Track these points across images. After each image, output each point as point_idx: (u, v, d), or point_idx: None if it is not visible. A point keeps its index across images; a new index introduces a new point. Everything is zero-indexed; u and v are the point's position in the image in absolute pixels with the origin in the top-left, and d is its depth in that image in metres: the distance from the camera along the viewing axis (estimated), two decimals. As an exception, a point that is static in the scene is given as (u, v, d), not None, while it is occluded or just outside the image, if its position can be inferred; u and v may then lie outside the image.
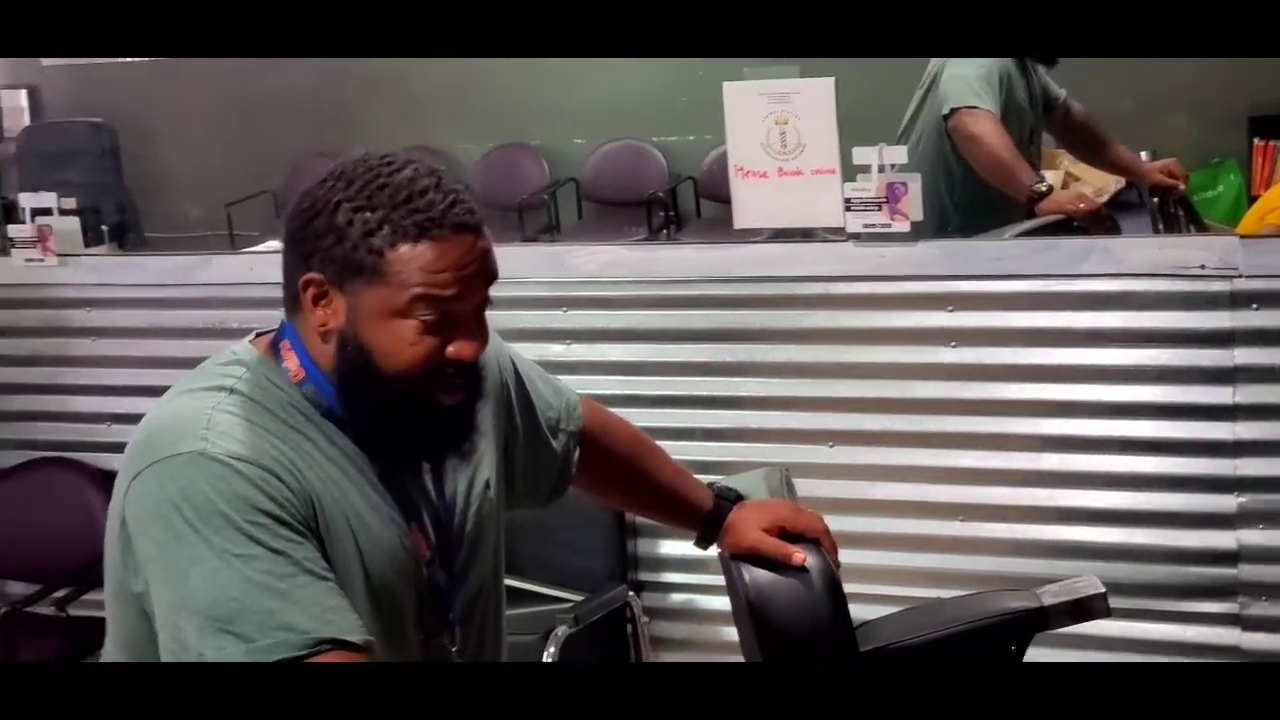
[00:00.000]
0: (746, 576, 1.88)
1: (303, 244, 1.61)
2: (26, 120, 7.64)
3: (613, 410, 2.09)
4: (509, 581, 1.94)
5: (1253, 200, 4.96)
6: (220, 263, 3.87)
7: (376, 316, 1.59)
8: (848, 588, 1.87)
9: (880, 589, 2.99)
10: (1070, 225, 3.47)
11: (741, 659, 1.97)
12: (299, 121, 7.01)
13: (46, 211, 3.89)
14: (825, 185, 3.21)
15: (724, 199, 3.49)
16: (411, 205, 1.57)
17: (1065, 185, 4.43)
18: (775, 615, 1.84)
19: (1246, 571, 3.03)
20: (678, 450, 2.16)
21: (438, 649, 1.74)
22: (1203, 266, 2.96)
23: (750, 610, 1.86)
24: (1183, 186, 3.81)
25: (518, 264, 3.34)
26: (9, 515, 3.88)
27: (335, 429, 1.65)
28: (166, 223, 7.02)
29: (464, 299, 1.60)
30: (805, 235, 3.45)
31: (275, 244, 1.70)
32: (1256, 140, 5.63)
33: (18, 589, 3.84)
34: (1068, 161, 4.55)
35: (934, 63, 3.75)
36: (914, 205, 3.12)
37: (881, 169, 3.13)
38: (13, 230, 3.92)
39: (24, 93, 7.71)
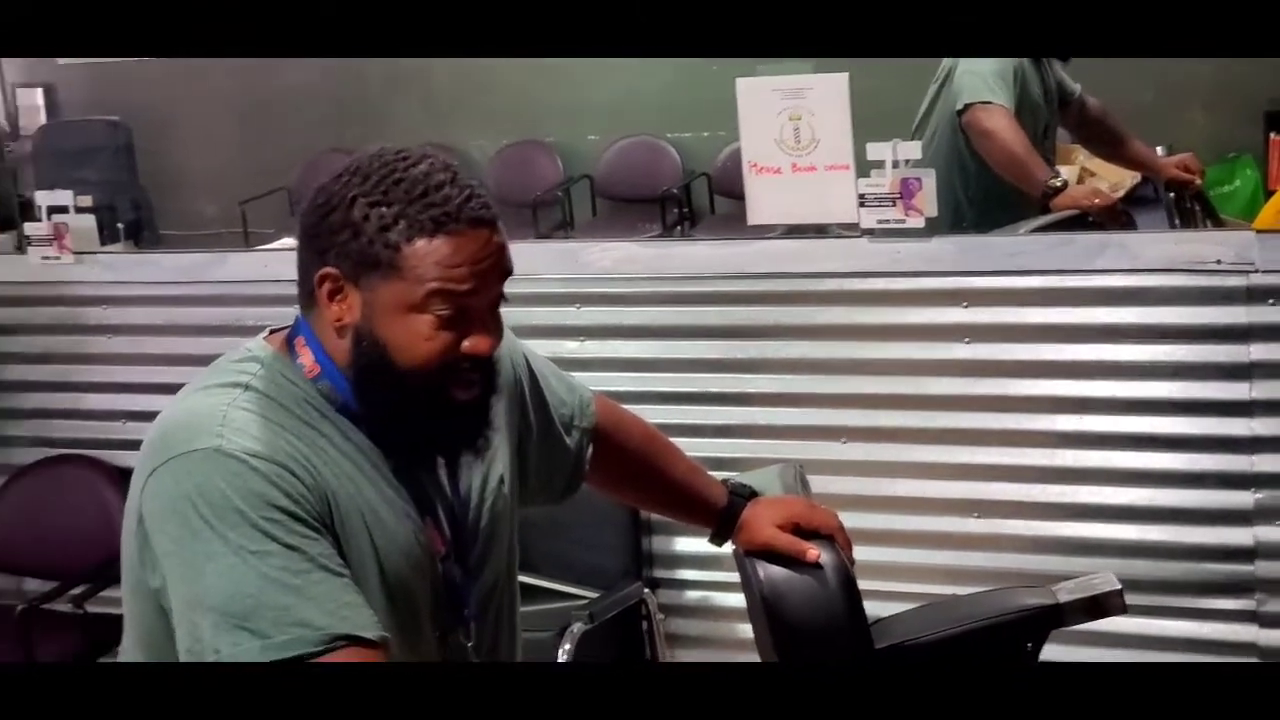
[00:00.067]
0: (761, 573, 1.87)
1: (318, 239, 1.61)
2: (43, 118, 7.66)
3: (626, 407, 2.09)
4: (524, 578, 1.94)
5: (1269, 195, 4.94)
6: (235, 260, 3.88)
7: (392, 311, 1.59)
8: (862, 584, 1.87)
9: (895, 586, 2.99)
10: (1085, 221, 3.46)
11: (756, 655, 1.97)
12: (313, 119, 7.02)
13: (63, 209, 3.90)
14: (839, 181, 3.20)
15: (738, 195, 3.48)
16: (428, 200, 1.57)
17: (1081, 180, 4.41)
18: (790, 612, 1.84)
19: (1263, 568, 3.02)
20: (691, 447, 2.16)
21: (453, 645, 1.74)
22: (1219, 261, 2.95)
23: (765, 607, 1.86)
24: (1199, 181, 3.80)
25: (531, 260, 3.34)
26: (25, 513, 3.90)
27: (350, 424, 1.65)
28: (182, 220, 7.03)
29: (479, 294, 1.60)
30: (819, 231, 3.45)
31: (290, 241, 1.70)
32: (1273, 135, 5.61)
33: (34, 586, 3.85)
34: (1083, 156, 4.54)
35: (948, 58, 3.74)
36: (928, 201, 3.11)
37: (896, 164, 3.13)
38: (29, 228, 3.94)
39: (40, 91, 7.72)
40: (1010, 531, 3.19)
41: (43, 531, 3.84)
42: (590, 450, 1.99)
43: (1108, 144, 4.08)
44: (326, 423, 1.64)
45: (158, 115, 7.18)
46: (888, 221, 3.13)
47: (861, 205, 3.15)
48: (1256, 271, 2.93)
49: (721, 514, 2.00)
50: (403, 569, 1.66)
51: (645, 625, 3.45)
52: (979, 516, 3.20)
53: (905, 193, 3.10)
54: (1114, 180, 4.26)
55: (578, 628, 3.18)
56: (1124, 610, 1.94)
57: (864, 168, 3.18)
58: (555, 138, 7.09)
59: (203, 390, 1.65)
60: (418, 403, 1.62)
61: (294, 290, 1.68)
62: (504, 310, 1.67)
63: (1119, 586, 1.93)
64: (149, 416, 1.66)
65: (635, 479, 2.08)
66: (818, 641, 1.83)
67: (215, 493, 1.52)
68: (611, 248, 3.52)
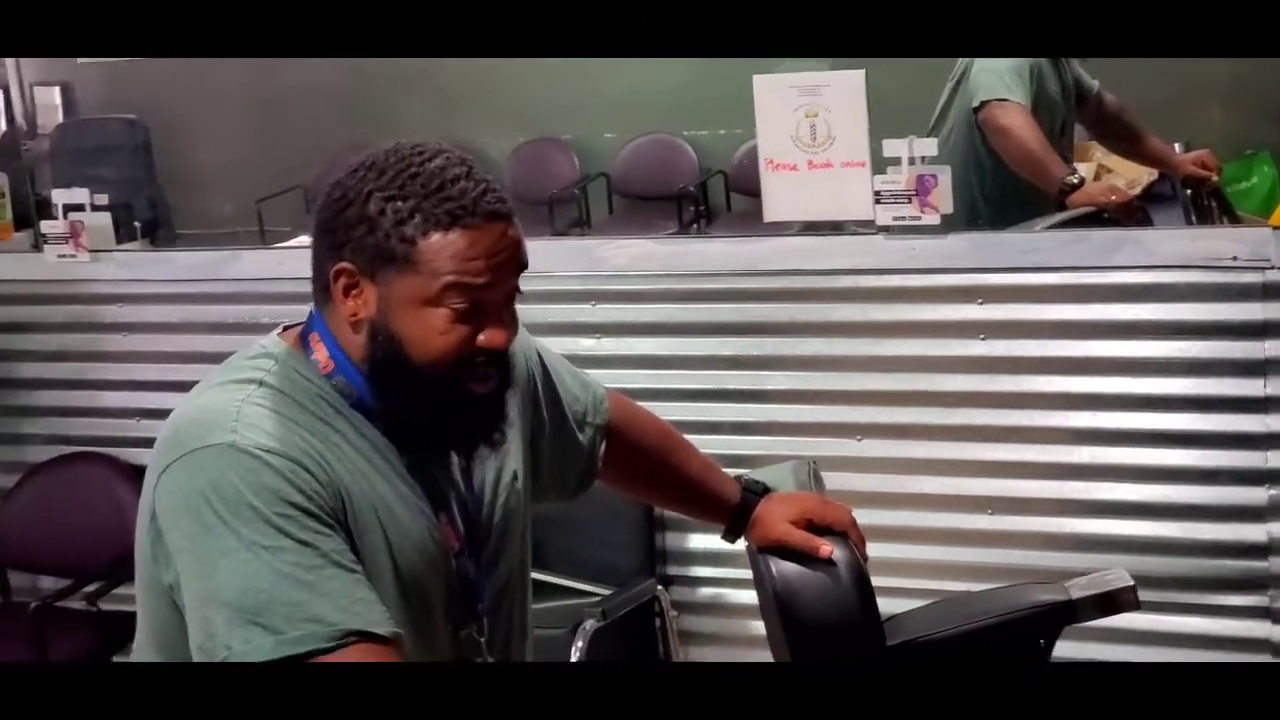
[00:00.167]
0: (774, 569, 1.87)
1: (334, 234, 1.62)
2: (60, 117, 7.68)
3: (641, 404, 2.09)
4: (537, 575, 1.94)
5: (1287, 192, 4.92)
6: (250, 258, 3.88)
7: (408, 305, 1.59)
8: (876, 581, 1.86)
9: (909, 582, 2.99)
10: (1101, 218, 3.45)
11: (770, 653, 1.97)
12: (329, 117, 7.03)
13: (79, 207, 3.92)
14: (855, 178, 3.20)
15: (754, 193, 3.49)
16: (443, 194, 1.58)
17: (1098, 177, 4.41)
18: (802, 608, 1.84)
19: (1277, 564, 3.01)
20: (706, 444, 2.16)
21: (466, 640, 1.74)
22: (1235, 258, 2.94)
23: (777, 603, 1.85)
24: (1215, 178, 3.79)
25: (547, 258, 3.34)
26: (40, 510, 3.91)
27: (364, 420, 1.65)
28: (198, 219, 7.04)
29: (495, 287, 1.60)
30: (835, 228, 3.45)
31: (306, 239, 1.71)
32: (1290, 132, 5.58)
33: (48, 584, 3.87)
34: (1100, 153, 4.53)
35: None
36: (944, 198, 3.11)
37: (911, 161, 3.12)
38: (45, 226, 3.96)
39: (57, 90, 7.74)
40: (1024, 528, 3.18)
41: (57, 529, 3.86)
42: (603, 447, 1.99)
43: (1125, 141, 4.07)
44: (340, 418, 1.64)
45: (175, 114, 7.20)
46: (903, 218, 3.13)
47: (877, 202, 3.15)
48: (1272, 268, 2.92)
49: (734, 510, 1.99)
50: (416, 565, 1.66)
51: (658, 622, 3.45)
52: (993, 513, 3.20)
53: (921, 189, 3.10)
54: (1131, 177, 4.25)
55: (590, 625, 3.18)
56: (1137, 606, 1.94)
57: (880, 164, 3.18)
58: (572, 136, 7.10)
59: (217, 387, 1.65)
60: (433, 397, 1.62)
61: (309, 287, 1.68)
62: (519, 307, 1.67)
63: (1132, 583, 1.92)
64: (164, 414, 1.67)
65: (648, 476, 2.08)
66: (830, 638, 1.82)
67: (229, 488, 1.52)
68: (627, 245, 3.53)
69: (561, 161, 7.03)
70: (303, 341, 1.68)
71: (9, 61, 5.77)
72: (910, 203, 3.11)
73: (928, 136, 3.38)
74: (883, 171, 3.16)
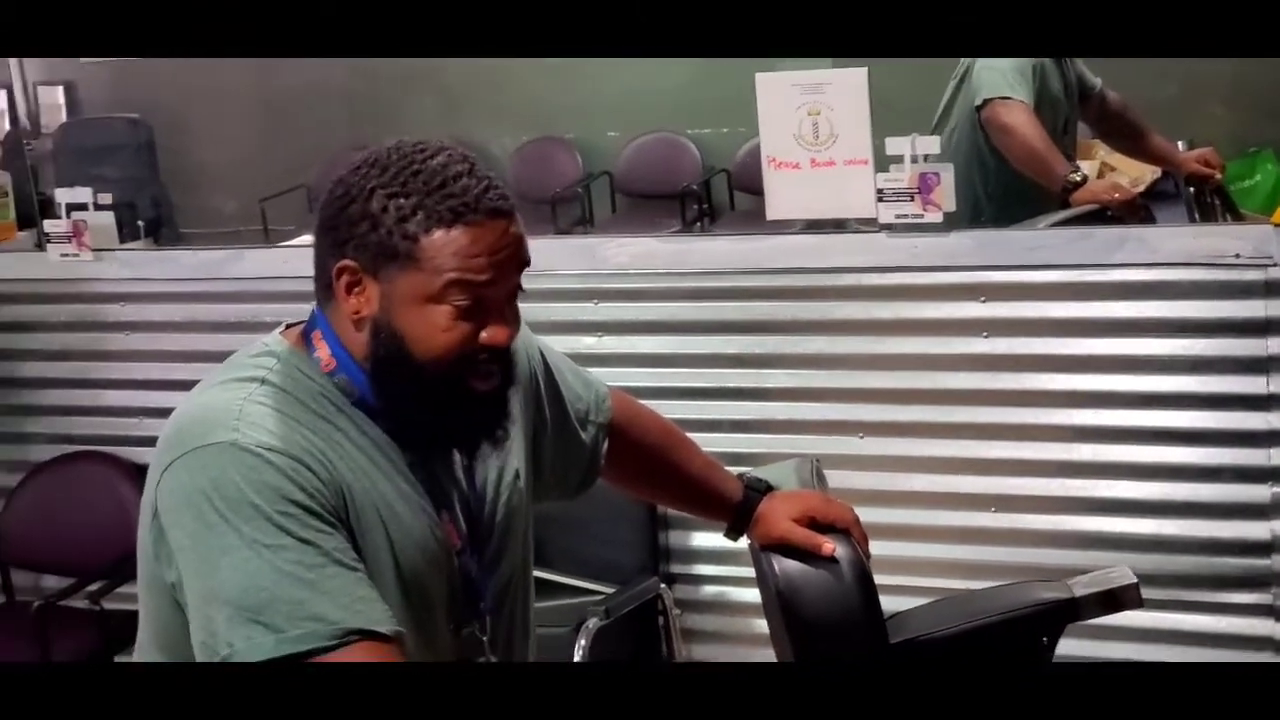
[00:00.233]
0: (776, 567, 1.87)
1: (336, 231, 1.61)
2: (64, 116, 7.68)
3: (643, 402, 2.09)
4: (540, 574, 1.95)
5: (1290, 190, 4.91)
6: (253, 257, 3.89)
7: (410, 302, 1.59)
8: (879, 579, 1.86)
9: (912, 580, 2.99)
10: (1104, 215, 3.44)
11: (773, 651, 1.97)
12: (333, 116, 7.03)
13: (82, 207, 3.92)
14: (858, 176, 3.20)
15: (758, 191, 3.49)
16: (446, 191, 1.57)
17: (1101, 175, 4.39)
18: (805, 606, 1.84)
19: (1281, 562, 3.01)
20: (708, 442, 2.16)
21: (468, 639, 1.74)
22: (1237, 255, 2.94)
23: (780, 601, 1.85)
24: (1219, 176, 3.78)
25: (549, 256, 3.34)
26: (43, 509, 3.92)
27: (366, 418, 1.65)
28: (201, 218, 7.04)
29: (497, 284, 1.60)
30: (837, 226, 3.45)
31: (309, 238, 1.71)
32: (1294, 130, 5.58)
33: (51, 583, 3.87)
34: (1103, 151, 4.51)
35: (966, 54, 3.73)
36: (947, 196, 3.11)
37: (914, 159, 3.12)
38: (48, 225, 3.96)
39: (61, 89, 7.74)
40: (1027, 526, 3.18)
41: (60, 528, 3.86)
42: (605, 445, 1.99)
43: (1128, 138, 4.06)
44: (342, 417, 1.64)
45: (178, 113, 7.20)
46: (906, 216, 3.13)
47: (880, 200, 3.15)
48: (1275, 266, 2.92)
49: (737, 508, 1.99)
50: (418, 563, 1.66)
51: (661, 620, 3.45)
52: (996, 511, 3.20)
53: (923, 187, 3.10)
54: (1134, 175, 4.24)
55: (594, 623, 3.18)
56: (1140, 604, 1.94)
57: (883, 163, 3.17)
58: (575, 134, 7.09)
59: (218, 385, 1.65)
60: (436, 394, 1.62)
61: (312, 286, 1.68)
62: (522, 306, 1.67)
63: (1135, 580, 1.92)
64: (166, 413, 1.67)
65: (651, 474, 2.08)
66: (833, 636, 1.82)
67: (230, 486, 1.52)
68: (629, 243, 3.53)
69: (565, 160, 7.03)
70: (305, 339, 1.68)
71: (12, 61, 5.77)
72: (913, 201, 3.12)
73: (931, 135, 3.39)
74: (885, 169, 3.16)
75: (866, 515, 1.95)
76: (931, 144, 3.17)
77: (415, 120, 6.90)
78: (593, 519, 3.22)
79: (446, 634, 1.71)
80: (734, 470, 2.07)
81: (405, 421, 1.65)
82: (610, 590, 3.33)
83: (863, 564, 1.86)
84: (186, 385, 1.73)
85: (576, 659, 3.14)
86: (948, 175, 3.11)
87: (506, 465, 1.79)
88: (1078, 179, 3.52)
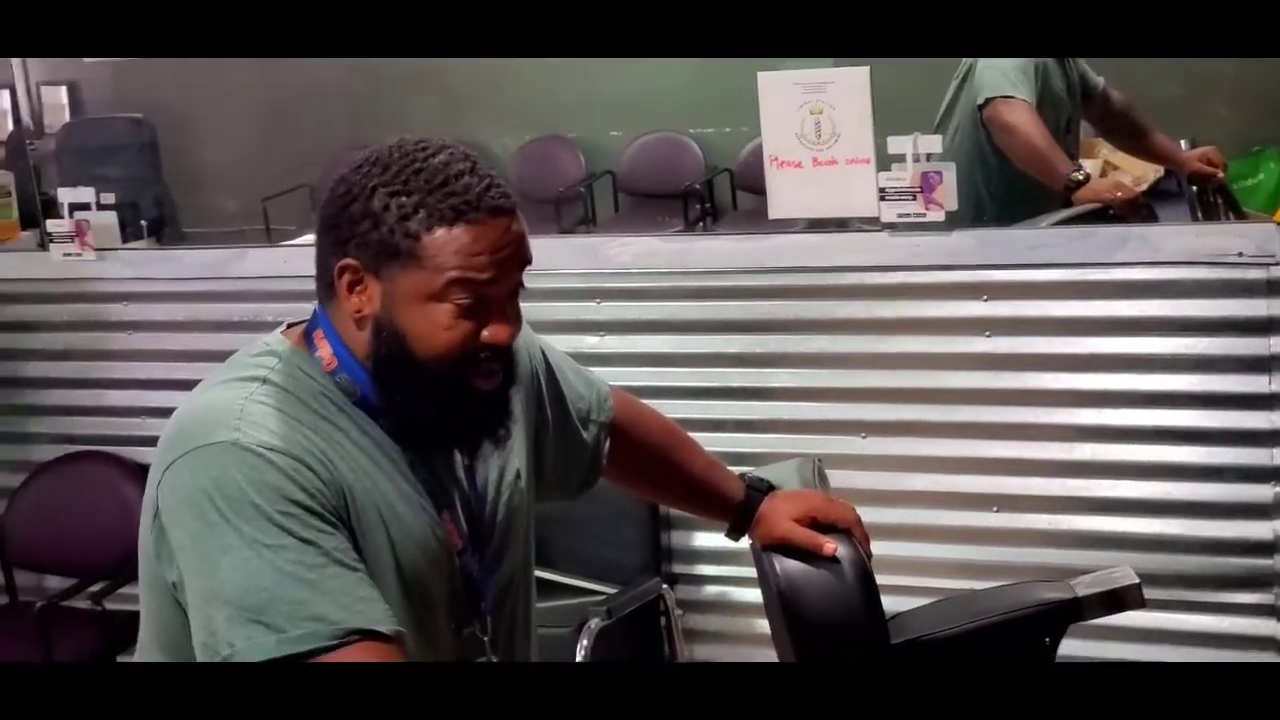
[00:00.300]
0: (778, 567, 1.87)
1: (338, 230, 1.61)
2: (67, 116, 7.68)
3: (645, 402, 2.09)
4: (542, 574, 1.94)
5: (1293, 189, 4.90)
6: (256, 256, 3.89)
7: (412, 301, 1.59)
8: (880, 579, 1.86)
9: (913, 580, 2.99)
10: (1107, 214, 3.44)
11: (775, 651, 1.96)
12: (335, 116, 7.04)
13: (85, 206, 3.92)
14: (860, 175, 3.20)
15: (761, 191, 3.49)
16: (448, 189, 1.57)
17: (1104, 174, 4.39)
18: (807, 606, 1.83)
19: (1284, 562, 3.01)
20: (711, 442, 2.16)
21: (469, 639, 1.74)
22: (1240, 254, 2.94)
23: (781, 601, 1.85)
24: (1221, 174, 3.78)
25: (551, 255, 3.35)
26: (45, 509, 3.92)
27: (367, 418, 1.65)
28: (204, 217, 7.04)
29: (499, 282, 1.60)
30: (840, 225, 3.44)
31: (311, 237, 1.71)
32: (1297, 128, 5.57)
33: (54, 583, 3.87)
34: (1106, 150, 4.51)
35: (969, 53, 3.73)
36: (949, 194, 3.11)
37: (916, 158, 3.12)
38: (51, 225, 3.96)
39: (64, 89, 7.74)
40: (1029, 526, 3.18)
41: (62, 528, 3.87)
42: (607, 445, 1.99)
43: (1131, 137, 4.06)
44: (344, 417, 1.64)
45: (181, 113, 7.20)
46: (908, 215, 3.13)
47: (882, 199, 3.15)
48: (1278, 264, 2.92)
49: (738, 508, 1.99)
50: (419, 563, 1.66)
51: (664, 621, 3.45)
52: (998, 511, 3.20)
53: (925, 186, 3.10)
54: (1137, 174, 4.24)
55: (596, 623, 3.18)
56: (1142, 605, 1.93)
57: (885, 161, 3.17)
58: (577, 134, 7.09)
59: (220, 385, 1.65)
60: (438, 393, 1.62)
61: (314, 286, 1.68)
62: (524, 305, 1.67)
63: (1137, 581, 1.92)
64: (169, 413, 1.67)
65: (652, 474, 2.08)
66: (835, 636, 1.82)
67: (231, 486, 1.52)
68: (631, 242, 3.53)
69: (567, 159, 7.03)
70: (306, 339, 1.68)
71: (15, 61, 5.77)
72: (915, 199, 3.11)
73: (933, 134, 3.38)
74: (887, 168, 3.16)
75: (868, 515, 1.95)
76: (933, 143, 3.17)
77: (418, 120, 6.89)
78: (595, 519, 3.22)
79: (447, 634, 1.71)
80: (736, 470, 2.07)
81: (407, 420, 1.65)
82: (612, 590, 3.33)
83: (864, 564, 1.86)
84: (189, 385, 1.73)
85: (578, 659, 3.14)
86: (949, 174, 3.11)
87: (508, 465, 1.79)
88: (1080, 178, 3.51)
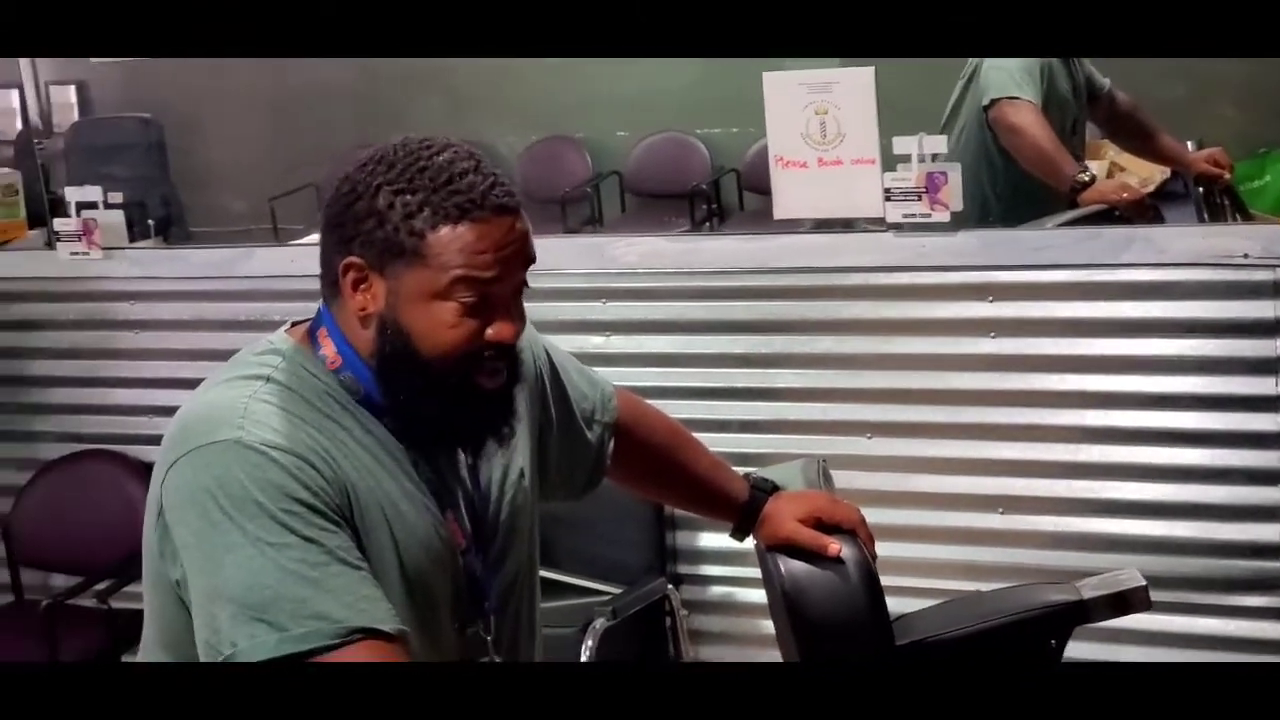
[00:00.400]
0: (782, 568, 1.86)
1: (342, 228, 1.61)
2: (75, 116, 7.69)
3: (650, 402, 2.08)
4: (547, 574, 1.94)
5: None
6: (262, 255, 3.89)
7: (416, 299, 1.59)
8: (885, 580, 1.86)
9: (918, 582, 2.99)
10: (1113, 215, 3.44)
11: (780, 653, 1.96)
12: (342, 116, 7.04)
13: (92, 205, 3.93)
14: (865, 175, 3.20)
15: (767, 191, 3.48)
16: (452, 187, 1.57)
17: (1110, 175, 4.38)
18: (811, 607, 1.83)
19: (1291, 565, 3.00)
20: (716, 442, 2.16)
21: (473, 639, 1.73)
22: (1246, 256, 2.93)
23: (786, 601, 1.85)
24: (1228, 176, 3.77)
25: (557, 255, 3.35)
26: (51, 508, 3.92)
27: (371, 417, 1.65)
28: (211, 217, 7.05)
29: (503, 281, 1.60)
30: (845, 226, 3.44)
31: (318, 237, 1.71)
32: (1304, 130, 5.56)
33: (60, 581, 3.87)
34: (1113, 151, 4.51)
35: (974, 54, 3.73)
36: (954, 195, 3.10)
37: (921, 159, 3.12)
38: (58, 223, 3.97)
39: (73, 88, 7.76)
40: (1035, 527, 3.18)
41: (68, 526, 3.87)
42: (611, 445, 1.98)
43: (1137, 139, 4.05)
44: (347, 415, 1.64)
45: (188, 113, 7.21)
46: (913, 215, 3.13)
47: (887, 199, 3.14)
48: (1284, 265, 2.91)
49: (743, 508, 1.99)
50: (422, 562, 1.66)
51: (669, 621, 3.45)
52: (1003, 512, 3.19)
53: (931, 187, 3.10)
54: (1144, 175, 4.23)
55: (600, 624, 3.18)
56: (1149, 607, 1.93)
57: (890, 162, 3.17)
58: (584, 134, 7.09)
59: (224, 383, 1.65)
60: (443, 391, 1.62)
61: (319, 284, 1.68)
62: (530, 305, 1.67)
63: (1144, 583, 1.91)
64: (175, 412, 1.66)
65: (657, 474, 2.08)
66: (839, 637, 1.81)
67: (235, 484, 1.52)
68: (637, 242, 3.53)
69: (574, 160, 7.03)
70: (310, 337, 1.68)
71: (24, 61, 5.77)
72: (920, 200, 3.11)
73: (939, 134, 3.38)
74: (893, 169, 3.15)
75: (873, 516, 1.95)
76: (938, 143, 3.17)
77: (424, 120, 6.89)
78: (600, 519, 3.22)
79: (451, 633, 1.71)
80: (740, 470, 2.07)
81: (411, 419, 1.65)
82: (617, 591, 3.33)
83: (869, 565, 1.85)
84: (195, 384, 1.73)
85: (583, 659, 3.14)
86: (955, 174, 3.11)
87: (511, 464, 1.79)
88: (1086, 179, 3.51)
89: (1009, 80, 3.58)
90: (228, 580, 1.50)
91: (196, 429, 1.58)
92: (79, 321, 4.02)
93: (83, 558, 3.75)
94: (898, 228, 3.16)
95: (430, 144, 1.62)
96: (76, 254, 3.91)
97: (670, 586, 3.44)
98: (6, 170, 4.51)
